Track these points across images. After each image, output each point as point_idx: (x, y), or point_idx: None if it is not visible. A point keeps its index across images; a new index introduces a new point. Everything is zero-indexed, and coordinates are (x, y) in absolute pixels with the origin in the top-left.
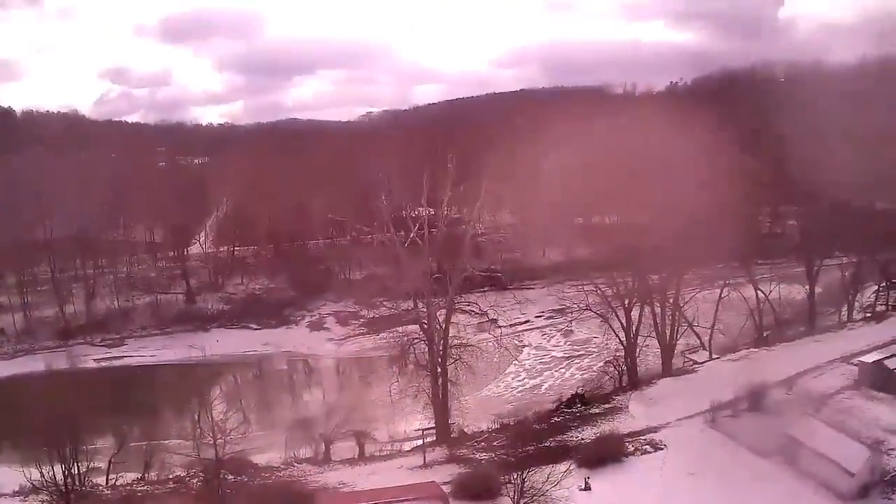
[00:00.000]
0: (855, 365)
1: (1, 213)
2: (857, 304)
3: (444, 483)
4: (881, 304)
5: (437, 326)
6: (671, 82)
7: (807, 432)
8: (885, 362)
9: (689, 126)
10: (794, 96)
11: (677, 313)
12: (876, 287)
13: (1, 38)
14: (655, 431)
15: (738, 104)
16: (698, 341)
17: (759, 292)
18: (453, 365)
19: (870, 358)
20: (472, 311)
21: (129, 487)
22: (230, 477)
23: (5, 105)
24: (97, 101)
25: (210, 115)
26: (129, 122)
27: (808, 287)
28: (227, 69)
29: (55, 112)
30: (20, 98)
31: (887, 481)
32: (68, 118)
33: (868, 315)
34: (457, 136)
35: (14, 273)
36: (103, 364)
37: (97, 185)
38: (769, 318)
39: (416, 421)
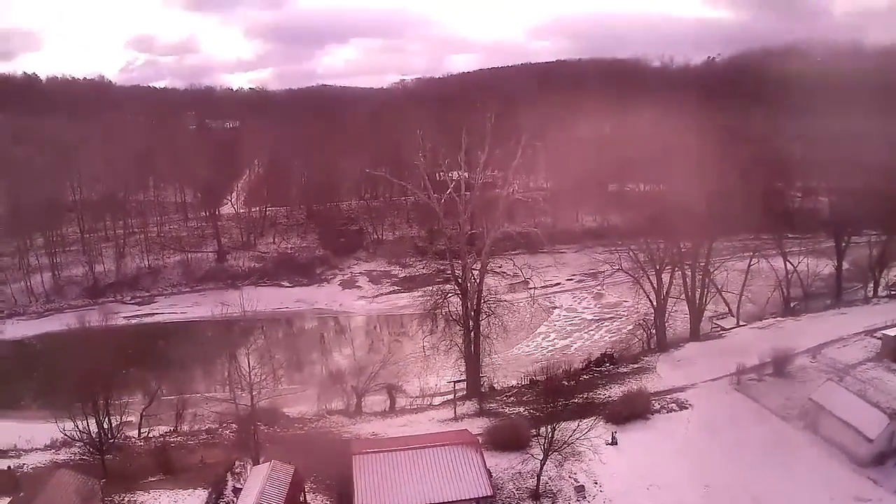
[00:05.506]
0: (878, 338)
1: (28, 176)
2: (882, 281)
3: (476, 435)
4: None
5: (472, 280)
6: (708, 57)
7: (828, 398)
8: None
9: (723, 100)
10: (829, 76)
11: (707, 279)
12: None
13: (21, 7)
14: (682, 391)
15: (772, 82)
16: (727, 308)
17: (788, 264)
18: (486, 320)
19: (893, 332)
20: (505, 272)
21: (161, 439)
22: (264, 427)
23: (29, 72)
24: (123, 69)
25: (239, 82)
26: (157, 87)
27: (835, 262)
28: (256, 37)
29: (81, 79)
30: (44, 66)
31: None
32: (94, 84)
33: (893, 293)
34: (493, 103)
35: (42, 234)
36: (133, 321)
37: (125, 148)
38: (797, 289)
39: (447, 375)
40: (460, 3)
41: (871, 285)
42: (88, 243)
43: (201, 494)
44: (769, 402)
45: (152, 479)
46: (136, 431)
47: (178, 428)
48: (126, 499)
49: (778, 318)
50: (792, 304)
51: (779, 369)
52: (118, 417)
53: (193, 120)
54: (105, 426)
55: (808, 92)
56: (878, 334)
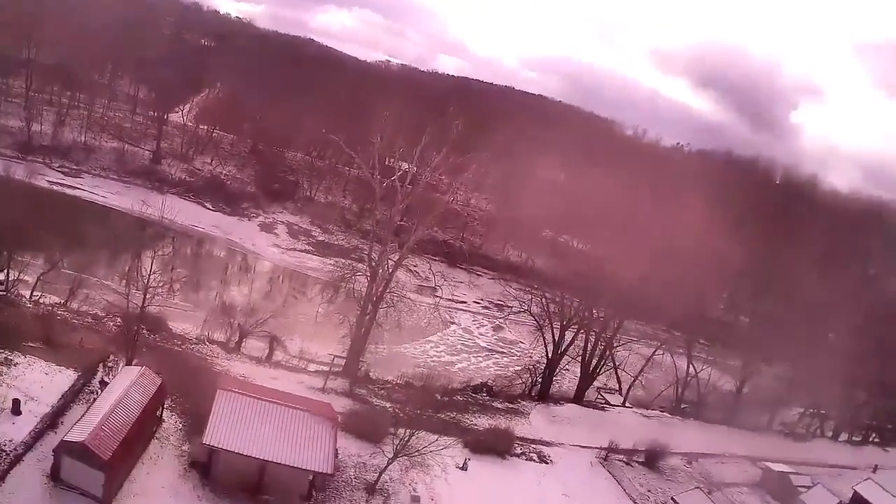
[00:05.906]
0: (760, 468)
1: None
2: (778, 417)
3: (337, 413)
4: (801, 428)
5: (385, 268)
6: (677, 143)
7: None
8: (791, 476)
9: (682, 190)
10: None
11: (609, 351)
12: (803, 410)
13: None
14: (547, 446)
15: (731, 189)
16: (618, 385)
17: (691, 366)
18: (385, 310)
19: (777, 467)
20: (418, 273)
21: (49, 308)
22: (146, 332)
23: None
24: None
25: (228, 8)
26: None
27: (738, 382)
28: None
29: None
30: None
31: None
32: None
33: (786, 431)
34: (463, 113)
35: None
36: (55, 188)
37: (95, 27)
38: (692, 394)
39: (330, 348)
40: (469, 6)
41: (767, 417)
42: (32, 101)
43: (71, 376)
44: (630, 487)
45: (32, 344)
46: (29, 293)
47: (68, 304)
48: (4, 355)
49: (665, 414)
50: (683, 406)
51: (650, 460)
52: (17, 273)
53: (170, 26)
54: (2, 277)
55: (761, 209)
56: (761, 464)
